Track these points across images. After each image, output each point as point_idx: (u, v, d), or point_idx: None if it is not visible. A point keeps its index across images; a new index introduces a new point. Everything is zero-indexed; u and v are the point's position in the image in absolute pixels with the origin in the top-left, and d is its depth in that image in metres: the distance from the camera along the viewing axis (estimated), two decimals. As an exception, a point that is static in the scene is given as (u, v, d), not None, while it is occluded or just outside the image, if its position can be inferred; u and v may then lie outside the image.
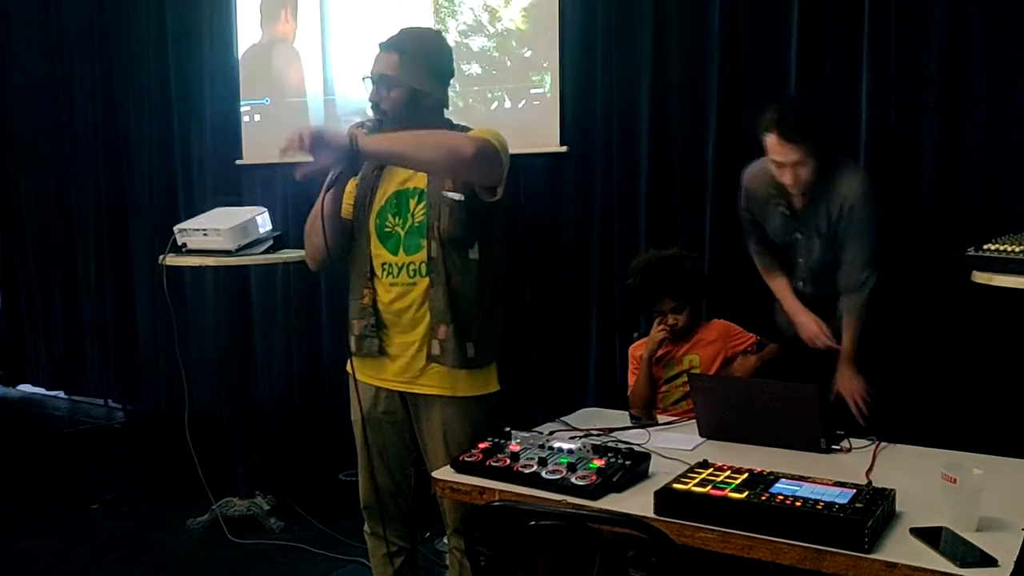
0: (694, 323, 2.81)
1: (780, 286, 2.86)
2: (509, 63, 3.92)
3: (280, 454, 4.41)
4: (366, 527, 2.52)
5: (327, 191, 2.23)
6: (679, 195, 3.50)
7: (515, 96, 3.91)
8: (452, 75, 2.39)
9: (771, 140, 2.53)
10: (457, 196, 2.25)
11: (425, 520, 2.60)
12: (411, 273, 2.29)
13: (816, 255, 2.72)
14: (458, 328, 2.27)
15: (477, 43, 3.99)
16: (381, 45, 2.30)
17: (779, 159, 2.54)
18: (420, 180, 2.30)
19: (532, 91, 3.86)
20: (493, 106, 3.96)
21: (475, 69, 4.00)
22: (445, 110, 2.38)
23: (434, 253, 2.26)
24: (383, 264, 2.32)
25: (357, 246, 2.37)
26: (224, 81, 4.89)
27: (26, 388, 6.30)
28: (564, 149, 3.77)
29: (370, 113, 2.31)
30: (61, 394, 6.08)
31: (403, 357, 2.33)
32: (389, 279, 2.32)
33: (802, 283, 2.82)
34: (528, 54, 3.86)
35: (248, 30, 4.79)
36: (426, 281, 2.27)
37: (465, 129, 2.37)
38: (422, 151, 2.12)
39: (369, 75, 2.29)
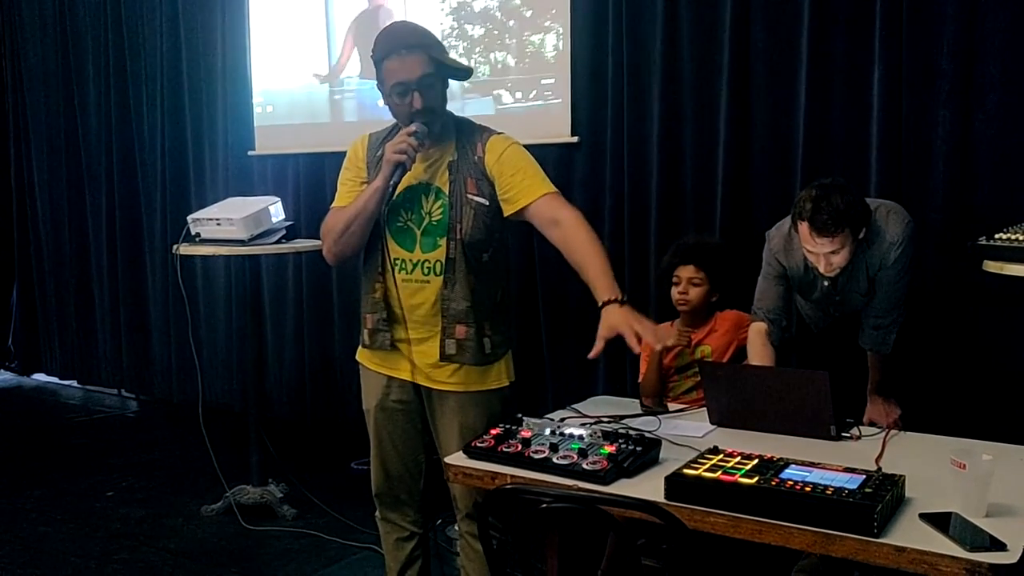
0: (710, 311, 2.82)
1: (765, 359, 2.63)
2: (520, 54, 3.93)
3: (292, 443, 4.44)
4: (378, 513, 2.55)
5: (386, 189, 2.23)
6: (690, 185, 3.50)
7: (527, 88, 3.92)
8: None
9: (804, 229, 2.39)
10: (484, 200, 2.26)
11: (437, 506, 2.62)
12: (425, 271, 2.30)
13: (853, 306, 2.66)
14: (477, 328, 2.28)
15: (489, 35, 4.01)
16: (397, 53, 2.18)
17: (812, 249, 2.42)
18: (434, 177, 2.30)
19: (543, 82, 3.87)
20: (504, 98, 3.97)
21: (486, 60, 4.01)
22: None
23: (452, 254, 2.26)
24: (396, 259, 2.32)
25: (370, 240, 2.36)
26: (236, 71, 4.91)
27: (40, 377, 6.36)
28: (575, 140, 3.78)
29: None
30: (74, 383, 6.14)
31: (416, 353, 2.34)
32: (403, 275, 2.32)
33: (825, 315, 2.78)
34: (539, 46, 3.87)
35: (260, 20, 4.81)
36: (440, 280, 2.28)
37: (473, 124, 2.36)
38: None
39: (401, 83, 2.19)
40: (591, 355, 2.05)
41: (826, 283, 2.59)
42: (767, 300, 2.68)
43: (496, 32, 3.99)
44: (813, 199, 2.36)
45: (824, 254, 2.40)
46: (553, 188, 2.30)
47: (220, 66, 4.98)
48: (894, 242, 2.47)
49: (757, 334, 2.67)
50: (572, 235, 2.21)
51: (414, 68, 2.19)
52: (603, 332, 2.06)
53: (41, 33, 5.94)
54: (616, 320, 2.05)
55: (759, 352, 2.64)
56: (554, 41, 3.81)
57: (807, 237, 2.40)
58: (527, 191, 2.27)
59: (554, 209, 2.26)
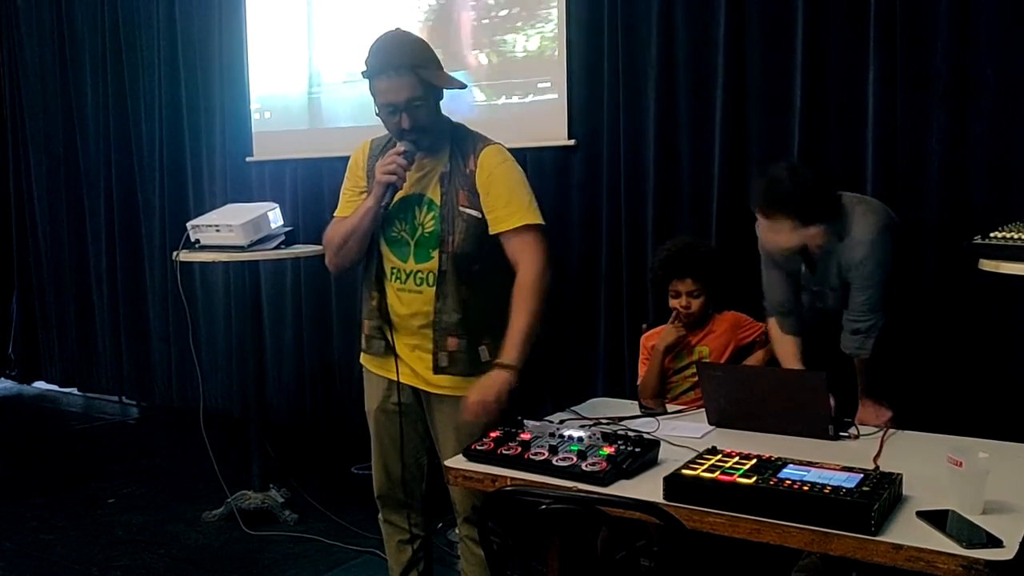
0: (707, 314, 2.83)
1: (787, 351, 2.68)
2: (518, 59, 3.95)
3: (293, 449, 4.45)
4: (380, 515, 2.56)
5: (378, 210, 2.26)
6: (686, 186, 3.52)
7: (523, 91, 3.93)
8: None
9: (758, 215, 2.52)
10: (475, 213, 2.27)
11: (439, 509, 2.63)
12: (418, 281, 2.31)
13: (830, 303, 2.67)
14: (470, 339, 2.30)
15: (488, 38, 4.02)
16: (386, 73, 2.18)
17: (763, 229, 2.51)
18: (426, 188, 2.31)
19: (539, 85, 3.88)
20: (501, 101, 3.99)
21: (485, 64, 4.03)
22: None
23: (444, 266, 2.27)
24: (392, 269, 2.34)
25: (369, 247, 2.37)
26: (234, 78, 4.92)
27: (40, 385, 6.36)
28: (572, 142, 3.79)
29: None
30: (75, 391, 6.14)
31: (411, 360, 2.36)
32: (397, 284, 2.34)
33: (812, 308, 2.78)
34: (536, 50, 3.89)
35: (258, 26, 4.83)
36: (432, 291, 2.29)
37: (469, 133, 2.35)
38: (540, 318, 2.28)
39: (390, 104, 2.20)
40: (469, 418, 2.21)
41: (803, 267, 2.62)
42: (772, 293, 2.71)
43: (496, 36, 4.00)
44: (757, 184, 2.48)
45: (762, 229, 2.50)
46: (531, 219, 2.28)
47: (217, 73, 4.99)
48: (861, 240, 2.46)
49: (772, 328, 2.72)
50: (518, 289, 2.27)
51: (401, 91, 2.18)
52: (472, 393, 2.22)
53: (39, 40, 5.94)
54: (481, 383, 2.23)
55: (778, 343, 2.68)
56: (551, 46, 3.83)
57: (759, 221, 2.50)
58: (501, 220, 2.27)
59: (518, 250, 2.28)
